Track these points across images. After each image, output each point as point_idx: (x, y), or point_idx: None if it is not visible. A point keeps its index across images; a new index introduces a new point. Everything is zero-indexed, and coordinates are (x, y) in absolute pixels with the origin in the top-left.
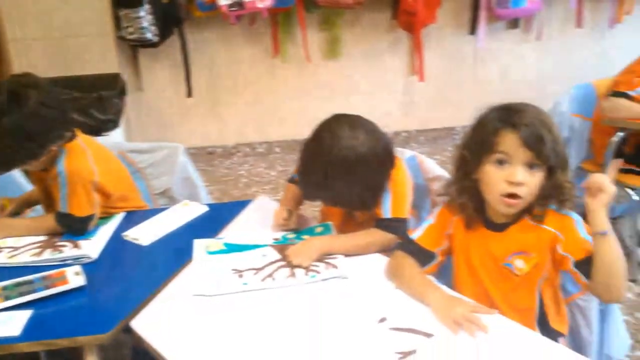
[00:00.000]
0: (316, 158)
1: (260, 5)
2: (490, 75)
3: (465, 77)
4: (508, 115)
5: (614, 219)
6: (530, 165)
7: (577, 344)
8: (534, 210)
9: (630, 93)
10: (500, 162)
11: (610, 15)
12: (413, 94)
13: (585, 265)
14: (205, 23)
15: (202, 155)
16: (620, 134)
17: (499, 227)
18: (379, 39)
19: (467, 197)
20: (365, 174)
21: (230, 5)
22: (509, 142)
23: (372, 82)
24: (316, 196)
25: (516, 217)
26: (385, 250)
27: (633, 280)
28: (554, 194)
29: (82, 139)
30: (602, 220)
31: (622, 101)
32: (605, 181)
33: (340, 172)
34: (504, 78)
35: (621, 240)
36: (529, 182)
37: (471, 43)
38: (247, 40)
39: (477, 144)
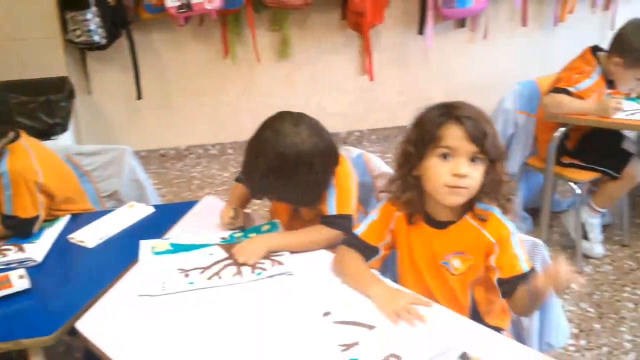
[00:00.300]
0: (260, 156)
1: (208, 6)
2: (440, 74)
3: (415, 76)
4: (451, 111)
5: (560, 213)
6: (473, 159)
7: (519, 334)
8: (476, 208)
9: (570, 89)
10: (445, 156)
11: (554, 14)
12: (363, 93)
13: (506, 284)
14: (154, 25)
15: (154, 158)
16: (562, 129)
17: (441, 225)
18: (329, 39)
19: (409, 193)
20: (309, 171)
21: (179, 7)
22: (454, 135)
23: (323, 82)
24: (261, 194)
25: (458, 215)
26: (332, 246)
27: (578, 272)
28: (494, 188)
29: (26, 141)
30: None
31: (562, 97)
32: (565, 278)
33: (284, 170)
34: (452, 76)
35: (567, 233)
36: (472, 174)
37: (420, 42)
38: (196, 42)
39: (421, 139)
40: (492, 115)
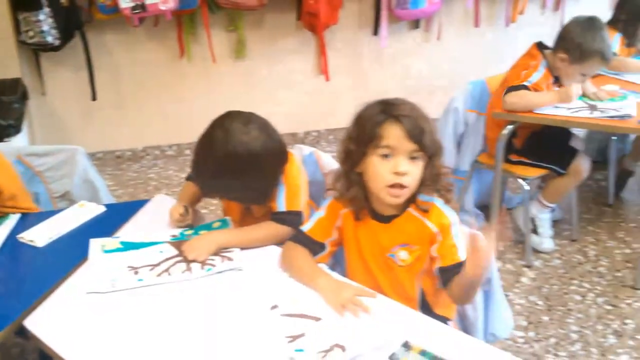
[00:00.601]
0: (210, 154)
1: (163, 7)
2: (394, 74)
3: (371, 76)
4: (389, 109)
5: (511, 209)
6: (413, 157)
7: (464, 325)
8: (418, 200)
9: (525, 84)
10: (385, 155)
11: (505, 15)
12: (320, 93)
13: (446, 273)
14: (108, 26)
15: (110, 159)
16: (509, 127)
17: (386, 219)
18: (285, 40)
19: (354, 190)
20: (259, 169)
21: (133, 8)
22: (393, 135)
23: (280, 82)
24: (212, 191)
25: (401, 209)
26: (281, 242)
27: (528, 266)
28: (433, 181)
29: None
30: (477, 273)
31: (525, 92)
32: (486, 244)
33: (234, 168)
34: (407, 76)
35: (518, 228)
36: (412, 171)
37: (375, 43)
38: (152, 42)
39: (362, 137)
40: (443, 114)
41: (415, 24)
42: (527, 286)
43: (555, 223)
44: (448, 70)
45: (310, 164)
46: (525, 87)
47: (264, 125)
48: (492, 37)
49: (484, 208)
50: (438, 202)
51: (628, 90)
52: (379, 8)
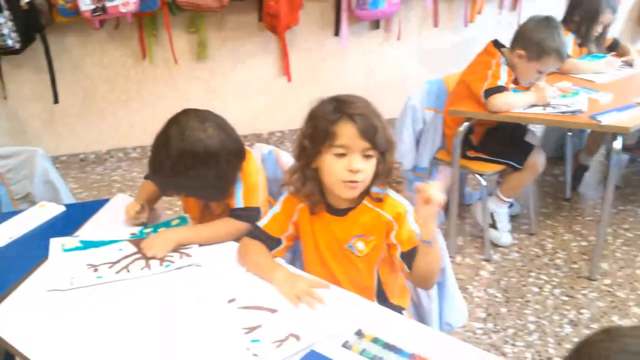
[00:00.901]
0: (166, 151)
1: (123, 9)
2: (356, 74)
3: (333, 76)
4: (342, 107)
5: (470, 205)
6: (366, 155)
7: (420, 315)
8: (372, 193)
9: (500, 84)
10: (339, 153)
11: (464, 15)
12: (283, 94)
13: (409, 257)
14: (69, 28)
15: (74, 163)
16: (466, 124)
17: (341, 212)
18: (247, 41)
19: (309, 185)
20: (215, 166)
21: (93, 11)
22: (347, 134)
23: (242, 84)
24: (169, 189)
25: (356, 202)
26: (239, 237)
27: (487, 260)
28: (386, 175)
29: None
30: (429, 230)
31: (506, 95)
32: (434, 192)
33: (190, 165)
34: (368, 76)
35: (478, 223)
36: (365, 168)
37: (336, 43)
38: (113, 44)
39: (316, 136)
40: (402, 112)
41: (375, 24)
42: (486, 279)
43: (514, 217)
44: (408, 70)
45: (270, 162)
46: (504, 88)
47: (221, 123)
48: (451, 37)
49: (445, 204)
50: (391, 192)
51: (580, 86)
52: (339, 9)
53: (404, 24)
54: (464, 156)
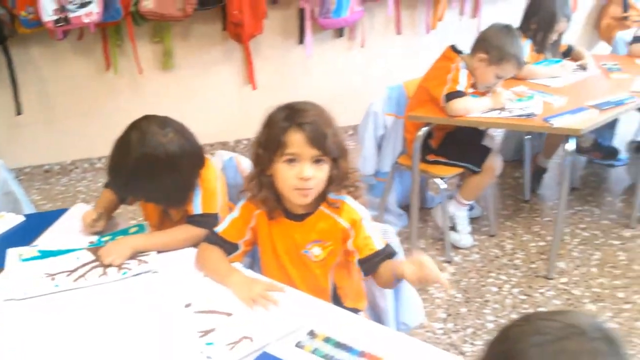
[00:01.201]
0: (126, 156)
1: (86, 20)
2: (321, 82)
3: (297, 84)
4: (293, 116)
5: (431, 208)
6: (317, 160)
7: (376, 315)
8: (329, 199)
9: (459, 89)
10: (290, 161)
11: (425, 22)
12: (248, 102)
13: (366, 263)
14: (32, 39)
15: (38, 174)
16: (425, 128)
17: (298, 218)
18: (211, 50)
19: (265, 191)
20: (175, 171)
21: (56, 21)
22: (296, 142)
23: (208, 92)
24: (128, 194)
25: (313, 208)
26: (197, 243)
27: (448, 262)
28: (340, 181)
29: None
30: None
31: (465, 100)
32: (436, 278)
33: (150, 169)
34: (333, 83)
35: (439, 226)
36: (317, 175)
37: (301, 51)
38: (77, 55)
39: (268, 144)
40: (363, 118)
41: (339, 32)
42: (447, 280)
43: (475, 220)
44: (373, 76)
45: (231, 168)
46: (463, 93)
47: (181, 128)
48: (414, 43)
49: (408, 208)
50: (348, 199)
51: (535, 90)
52: (303, 18)
53: (367, 31)
54: (424, 160)
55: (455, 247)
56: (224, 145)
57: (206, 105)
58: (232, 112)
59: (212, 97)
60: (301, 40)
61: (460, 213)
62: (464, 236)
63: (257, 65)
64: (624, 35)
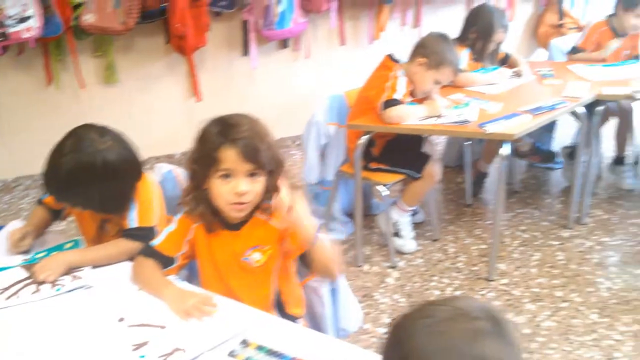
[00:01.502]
0: (64, 162)
1: (26, 35)
2: (266, 93)
3: (243, 96)
4: (226, 131)
5: (376, 215)
6: (252, 174)
7: (315, 322)
8: (263, 205)
9: (396, 97)
10: (225, 176)
11: (368, 33)
12: (194, 114)
13: (305, 257)
14: None
15: None
16: (365, 137)
17: (235, 227)
18: (155, 63)
19: (201, 206)
20: (113, 178)
21: None
22: (230, 157)
23: (153, 105)
24: (64, 201)
25: (249, 216)
26: (133, 257)
27: (392, 267)
28: (277, 190)
29: None
30: (306, 234)
31: (401, 108)
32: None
33: (88, 176)
34: (278, 95)
35: (382, 233)
36: (252, 189)
37: (246, 63)
38: (17, 70)
39: (202, 160)
40: (306, 127)
41: (283, 43)
42: (391, 286)
43: (419, 225)
44: (318, 87)
45: (170, 180)
46: (399, 101)
47: (119, 138)
48: (358, 54)
49: (353, 215)
50: None
51: (472, 97)
52: (247, 30)
53: (311, 42)
54: (366, 168)
55: (400, 253)
56: (170, 158)
57: (151, 118)
58: (178, 124)
59: (157, 109)
60: (245, 52)
61: (403, 219)
62: (407, 241)
63: (203, 77)
64: (559, 43)
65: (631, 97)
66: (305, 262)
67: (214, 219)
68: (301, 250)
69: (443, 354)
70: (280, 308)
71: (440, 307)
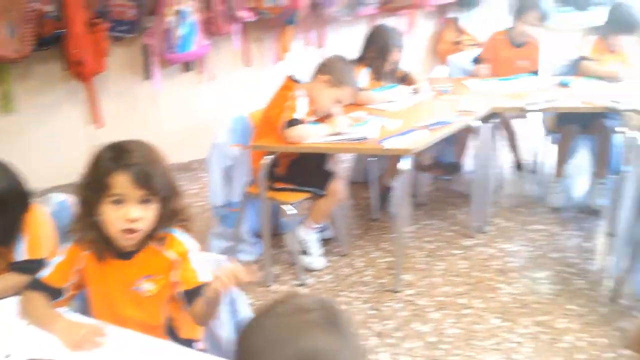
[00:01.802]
0: None
1: None
2: (170, 117)
3: (146, 120)
4: (118, 157)
5: (284, 234)
6: (144, 201)
7: (215, 344)
8: (156, 234)
9: (297, 117)
10: (117, 202)
11: (273, 54)
12: (95, 141)
13: (189, 296)
14: None
15: None
16: (268, 157)
17: (127, 256)
18: (54, 90)
19: (92, 234)
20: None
21: None
22: (122, 183)
23: (52, 134)
24: None
25: (141, 244)
26: (21, 291)
27: (301, 285)
28: (170, 219)
29: None
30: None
31: (301, 128)
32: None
33: None
34: (182, 118)
35: (291, 252)
36: (144, 216)
37: (149, 87)
38: None
39: (93, 185)
40: (209, 150)
41: (187, 66)
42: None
43: (327, 241)
44: (223, 109)
45: (65, 210)
46: (299, 121)
47: (5, 167)
48: (263, 75)
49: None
50: (176, 232)
51: (373, 115)
52: (148, 53)
53: (215, 64)
54: (272, 188)
55: (309, 270)
56: (71, 187)
57: (51, 146)
58: (79, 151)
59: (57, 137)
60: (147, 76)
61: (310, 237)
62: (315, 259)
63: (105, 102)
64: (456, 59)
65: (524, 110)
66: (188, 299)
67: (105, 247)
68: (187, 286)
69: (271, 347)
70: (172, 334)
71: (282, 305)
